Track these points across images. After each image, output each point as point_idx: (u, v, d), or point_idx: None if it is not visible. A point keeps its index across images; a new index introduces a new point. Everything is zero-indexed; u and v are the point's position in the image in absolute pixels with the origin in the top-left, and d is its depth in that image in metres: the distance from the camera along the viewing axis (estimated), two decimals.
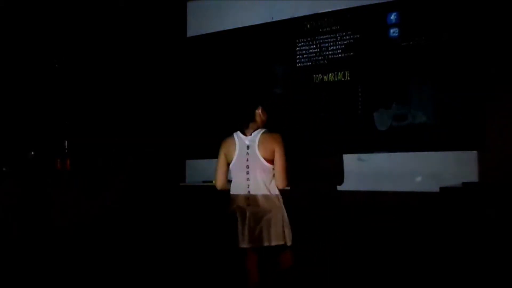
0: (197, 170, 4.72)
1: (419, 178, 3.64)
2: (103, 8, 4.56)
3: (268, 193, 2.39)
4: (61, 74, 4.32)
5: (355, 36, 4.04)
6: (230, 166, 2.45)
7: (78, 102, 4.37)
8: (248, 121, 2.45)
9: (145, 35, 4.80)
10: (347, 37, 4.08)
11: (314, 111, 4.04)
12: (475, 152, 3.48)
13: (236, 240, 2.36)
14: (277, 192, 2.43)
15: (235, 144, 2.43)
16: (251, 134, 2.42)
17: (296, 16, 4.33)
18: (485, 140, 3.42)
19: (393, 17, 3.86)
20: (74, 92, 4.36)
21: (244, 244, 2.36)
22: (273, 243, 2.34)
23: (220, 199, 2.49)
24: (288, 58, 4.35)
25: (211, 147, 2.70)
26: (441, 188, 3.16)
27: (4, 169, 3.61)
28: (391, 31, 3.87)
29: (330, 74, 4.14)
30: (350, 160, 3.36)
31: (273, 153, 2.36)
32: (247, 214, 2.36)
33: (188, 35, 5.01)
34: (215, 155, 2.52)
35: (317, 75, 4.21)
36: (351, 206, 3.39)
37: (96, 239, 3.70)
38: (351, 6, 4.04)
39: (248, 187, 2.39)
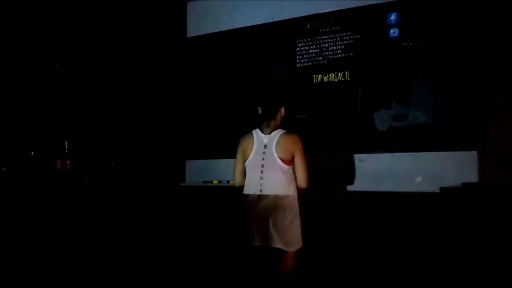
0: (197, 170, 4.71)
1: (419, 178, 3.64)
2: (103, 8, 4.56)
3: (281, 194, 2.34)
4: (61, 74, 4.32)
5: (355, 37, 4.04)
6: (246, 163, 2.41)
7: (78, 103, 4.38)
8: (270, 119, 2.41)
9: (145, 35, 4.80)
10: (347, 37, 4.08)
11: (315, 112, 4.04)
12: (475, 152, 3.48)
13: (248, 237, 2.34)
14: (292, 194, 2.38)
15: (253, 142, 2.40)
16: (270, 134, 2.39)
17: (296, 16, 4.33)
18: (485, 140, 3.42)
19: (393, 17, 3.86)
20: (74, 93, 4.36)
21: (256, 242, 2.34)
22: (289, 248, 2.32)
23: (222, 200, 2.49)
24: (288, 58, 4.35)
25: (211, 147, 2.69)
26: (441, 188, 3.16)
27: (4, 169, 3.61)
28: (391, 31, 3.87)
29: (330, 74, 4.14)
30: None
31: (291, 154, 2.33)
32: (259, 212, 2.33)
33: (188, 35, 5.01)
34: (215, 155, 2.52)
35: (317, 75, 4.21)
36: (351, 206, 3.40)
37: (96, 240, 3.70)
38: (351, 6, 4.04)
39: (261, 186, 2.35)
